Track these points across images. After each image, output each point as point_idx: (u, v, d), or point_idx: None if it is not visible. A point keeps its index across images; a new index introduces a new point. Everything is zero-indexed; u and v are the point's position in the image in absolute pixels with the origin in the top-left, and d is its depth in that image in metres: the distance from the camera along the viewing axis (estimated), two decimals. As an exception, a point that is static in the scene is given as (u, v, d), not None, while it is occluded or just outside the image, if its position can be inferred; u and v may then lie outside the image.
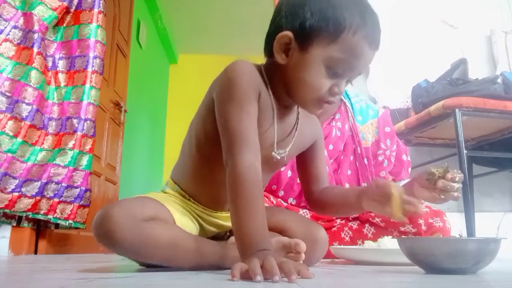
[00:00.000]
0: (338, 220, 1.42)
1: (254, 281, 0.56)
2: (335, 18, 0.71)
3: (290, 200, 1.38)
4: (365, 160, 1.40)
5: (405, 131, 2.03)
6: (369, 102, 1.55)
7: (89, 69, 1.96)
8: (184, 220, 0.85)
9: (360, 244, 1.30)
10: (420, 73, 2.11)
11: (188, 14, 4.47)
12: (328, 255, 1.10)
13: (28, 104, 1.75)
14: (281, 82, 0.80)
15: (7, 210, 1.64)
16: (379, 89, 2.26)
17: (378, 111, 1.50)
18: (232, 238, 0.77)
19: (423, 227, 1.31)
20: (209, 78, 0.85)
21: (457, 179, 1.05)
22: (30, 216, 1.73)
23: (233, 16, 4.27)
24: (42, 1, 1.86)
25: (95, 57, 1.99)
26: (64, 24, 2.01)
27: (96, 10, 2.03)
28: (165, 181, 0.97)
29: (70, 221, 1.82)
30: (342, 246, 1.27)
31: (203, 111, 0.85)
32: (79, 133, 1.87)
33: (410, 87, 2.09)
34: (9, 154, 1.67)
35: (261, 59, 0.85)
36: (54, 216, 1.77)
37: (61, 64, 1.98)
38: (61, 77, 1.97)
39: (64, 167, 1.81)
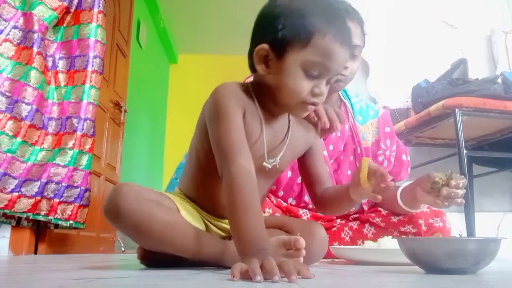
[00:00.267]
0: (338, 220, 1.42)
1: (254, 281, 0.56)
2: (304, 26, 0.77)
3: (290, 200, 1.38)
4: (365, 160, 1.39)
5: (405, 131, 2.03)
6: (369, 102, 1.55)
7: (89, 69, 1.96)
8: (189, 215, 0.87)
9: (360, 244, 1.30)
10: (420, 73, 2.11)
11: (188, 14, 4.47)
12: (328, 255, 1.10)
13: (27, 104, 1.75)
14: (268, 93, 0.85)
15: (6, 211, 1.63)
16: (379, 89, 2.26)
17: (378, 111, 1.50)
18: None
19: (423, 228, 1.31)
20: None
21: (460, 185, 1.06)
22: (31, 217, 1.73)
23: (233, 16, 4.27)
24: (42, 1, 1.86)
25: (95, 57, 1.98)
26: (64, 24, 2.01)
27: (96, 10, 2.03)
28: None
29: (71, 222, 1.82)
30: (342, 246, 1.27)
31: (198, 131, 0.91)
32: (78, 133, 1.87)
33: (410, 87, 2.09)
34: (9, 154, 1.67)
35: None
36: (55, 217, 1.77)
37: (61, 64, 1.98)
38: (61, 77, 1.97)
39: (64, 166, 1.81)
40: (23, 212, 1.68)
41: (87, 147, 1.91)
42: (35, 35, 1.81)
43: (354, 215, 1.42)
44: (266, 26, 0.82)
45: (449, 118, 1.78)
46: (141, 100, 3.90)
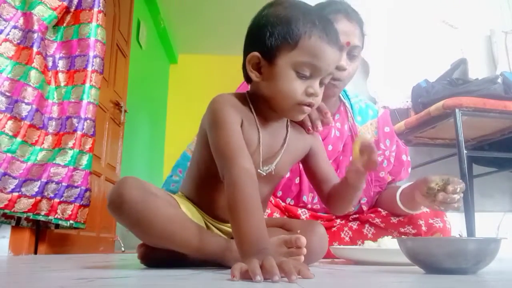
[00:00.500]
0: (338, 220, 1.42)
1: (254, 281, 0.56)
2: (290, 31, 0.81)
3: (288, 200, 1.37)
4: (364, 160, 1.39)
5: (405, 131, 2.03)
6: (369, 102, 1.54)
7: (89, 68, 1.96)
8: (190, 213, 0.88)
9: (360, 244, 1.30)
10: (420, 73, 2.11)
11: (188, 14, 4.47)
12: (328, 255, 1.10)
13: (27, 103, 1.75)
14: (264, 100, 0.87)
15: (6, 211, 1.63)
16: (379, 89, 2.26)
17: (377, 111, 1.49)
18: None
19: (423, 228, 1.31)
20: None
21: (458, 190, 1.07)
22: (31, 217, 1.73)
23: (233, 16, 4.27)
24: (42, 1, 1.85)
25: (95, 56, 1.98)
26: (64, 24, 2.01)
27: (96, 9, 2.02)
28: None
29: (71, 222, 1.82)
30: (342, 246, 1.27)
31: (199, 141, 0.93)
32: (79, 133, 1.87)
33: (410, 87, 2.08)
34: (9, 154, 1.67)
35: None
36: (55, 216, 1.77)
37: (61, 64, 1.98)
38: (61, 76, 1.97)
39: (64, 166, 1.81)
40: (23, 212, 1.68)
41: (87, 147, 1.91)
42: (35, 35, 1.81)
43: (354, 215, 1.42)
44: (254, 36, 0.86)
45: (449, 118, 1.77)
46: (141, 100, 3.89)
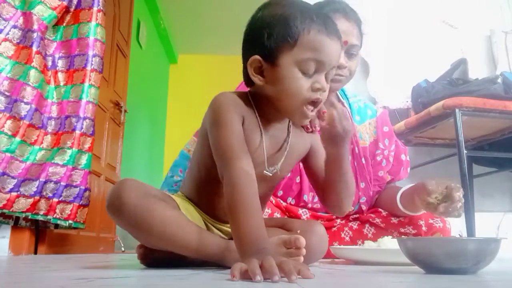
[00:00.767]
0: (338, 220, 1.41)
1: (254, 281, 0.56)
2: (289, 30, 0.80)
3: (289, 200, 1.37)
4: (363, 160, 1.39)
5: (405, 131, 2.02)
6: (367, 102, 1.55)
7: (88, 68, 1.96)
8: (189, 214, 0.88)
9: (360, 244, 1.30)
10: (420, 73, 2.11)
11: (188, 14, 4.47)
12: (328, 255, 1.10)
13: (26, 103, 1.75)
14: (269, 103, 0.86)
15: (5, 210, 1.63)
16: (379, 89, 2.26)
17: (376, 111, 1.50)
18: None
19: (424, 228, 1.31)
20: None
21: (457, 199, 1.08)
22: (30, 217, 1.72)
23: (233, 16, 4.26)
24: (42, 0, 1.85)
25: (94, 56, 1.98)
26: (64, 24, 2.01)
27: (95, 8, 2.02)
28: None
29: (70, 221, 1.81)
30: (342, 246, 1.27)
31: (200, 141, 0.93)
32: (77, 132, 1.87)
33: (410, 87, 2.08)
34: (8, 154, 1.67)
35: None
36: (54, 216, 1.76)
37: (60, 64, 1.98)
38: (61, 76, 1.96)
39: (63, 166, 1.81)
40: (22, 212, 1.68)
41: (87, 146, 1.91)
42: (35, 35, 1.80)
43: (354, 215, 1.42)
44: (253, 39, 0.85)
45: (449, 118, 1.77)
46: (141, 100, 3.89)
